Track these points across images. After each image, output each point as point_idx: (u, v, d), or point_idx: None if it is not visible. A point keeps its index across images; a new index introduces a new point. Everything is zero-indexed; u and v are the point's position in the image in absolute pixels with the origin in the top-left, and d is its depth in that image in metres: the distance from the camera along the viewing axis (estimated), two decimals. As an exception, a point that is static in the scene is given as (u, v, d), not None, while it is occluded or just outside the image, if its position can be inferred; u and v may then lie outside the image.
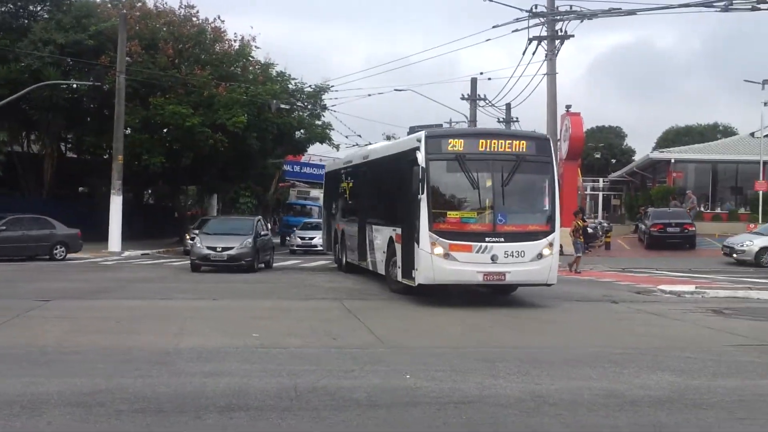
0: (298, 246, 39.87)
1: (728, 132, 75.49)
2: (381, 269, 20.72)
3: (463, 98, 46.72)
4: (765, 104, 44.01)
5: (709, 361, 11.20)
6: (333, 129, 42.61)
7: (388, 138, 50.80)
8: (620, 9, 23.75)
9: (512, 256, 16.86)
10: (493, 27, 27.84)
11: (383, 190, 20.97)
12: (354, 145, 36.33)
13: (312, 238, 39.44)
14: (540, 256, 17.04)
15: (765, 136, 42.95)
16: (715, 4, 21.88)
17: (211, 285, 21.36)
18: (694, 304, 18.31)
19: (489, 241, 16.79)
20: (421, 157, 16.78)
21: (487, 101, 45.22)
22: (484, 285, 17.81)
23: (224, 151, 36.24)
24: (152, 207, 53.66)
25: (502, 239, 16.82)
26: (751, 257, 30.43)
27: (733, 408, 8.46)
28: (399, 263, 18.56)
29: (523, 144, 17.21)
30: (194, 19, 39.23)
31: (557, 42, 27.54)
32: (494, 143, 17.07)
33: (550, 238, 17.21)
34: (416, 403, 8.42)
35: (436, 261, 16.70)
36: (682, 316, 16.58)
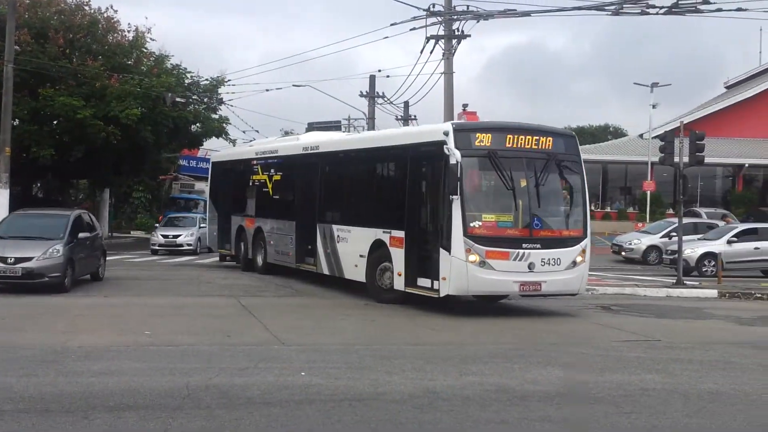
0: (160, 245, 33.39)
1: (618, 133, 77.61)
2: (353, 275, 18.44)
3: (361, 95, 46.79)
4: (653, 107, 45.44)
5: (598, 356, 11.49)
6: (230, 123, 42.11)
7: (287, 133, 50.37)
8: (515, 10, 24.15)
9: (548, 264, 15.44)
10: (391, 25, 27.82)
11: (367, 187, 18.64)
12: (252, 140, 35.85)
13: (177, 236, 33.44)
14: (574, 263, 15.75)
15: (653, 138, 44.36)
16: (606, 7, 22.48)
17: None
18: (583, 301, 18.77)
19: (526, 248, 15.28)
20: (455, 152, 14.83)
21: (385, 99, 45.38)
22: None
23: (117, 144, 35.40)
24: (41, 201, 52.07)
25: (539, 245, 15.39)
26: (639, 255, 31.36)
27: (620, 402, 8.69)
28: (400, 270, 16.39)
29: (552, 141, 15.93)
30: (86, 8, 38.17)
31: (454, 41, 27.81)
32: (524, 139, 15.60)
33: (582, 244, 15.98)
34: (311, 401, 8.39)
35: (471, 269, 14.95)
36: (572, 312, 16.96)
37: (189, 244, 33.23)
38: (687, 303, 18.93)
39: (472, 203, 15.20)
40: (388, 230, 16.94)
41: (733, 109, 46.55)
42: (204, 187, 45.07)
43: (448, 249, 15.08)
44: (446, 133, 15.23)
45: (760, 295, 20.41)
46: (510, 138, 15.50)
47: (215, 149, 42.19)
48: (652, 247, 31.29)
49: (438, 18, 27.57)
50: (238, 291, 19.18)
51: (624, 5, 22.29)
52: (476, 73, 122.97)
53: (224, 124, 41.21)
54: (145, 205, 45.99)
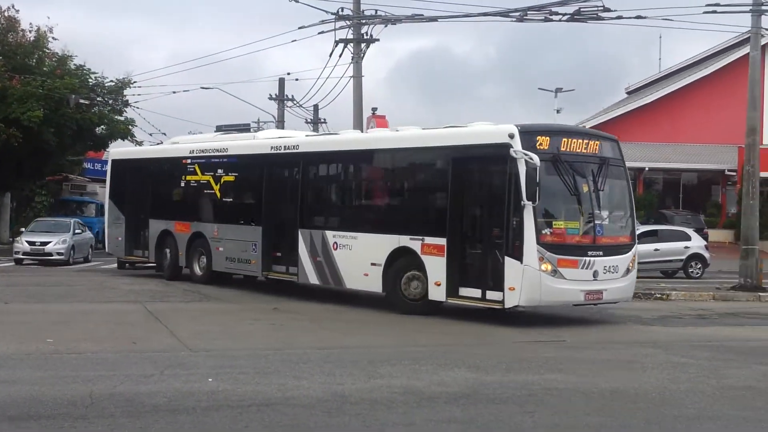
0: (25, 254, 28.66)
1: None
2: (360, 285, 17.52)
3: (271, 98, 46.59)
4: (557, 111, 46.40)
5: (504, 357, 11.70)
6: (136, 126, 41.42)
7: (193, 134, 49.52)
8: (422, 15, 24.41)
9: (609, 271, 15.24)
10: (300, 28, 27.75)
11: (384, 193, 17.77)
12: (159, 143, 35.14)
13: (45, 244, 28.66)
14: (627, 270, 15.65)
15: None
16: (510, 14, 22.90)
17: None
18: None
19: (591, 255, 15.04)
20: (533, 156, 14.21)
21: (295, 102, 45.33)
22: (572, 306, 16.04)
23: (18, 146, 34.51)
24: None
25: (601, 253, 15.18)
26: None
27: (524, 402, 8.87)
28: (439, 279, 15.60)
29: (601, 144, 15.71)
30: (-14, 7, 37.19)
31: (363, 45, 27.92)
32: (579, 143, 15.28)
33: (634, 250, 15.91)
34: (218, 407, 8.33)
35: (544, 279, 14.43)
36: (480, 314, 17.20)
37: (59, 253, 28.66)
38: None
39: (541, 209, 14.65)
40: (419, 237, 16.03)
41: (634, 113, 47.74)
42: (98, 189, 43.06)
43: (518, 257, 14.45)
44: (512, 136, 14.62)
45: (659, 296, 21.02)
46: (567, 141, 15.19)
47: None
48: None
49: (346, 22, 27.66)
50: (144, 297, 18.88)
51: (528, 12, 22.74)
52: (385, 77, 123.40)
53: (130, 126, 40.51)
54: (47, 209, 44.74)
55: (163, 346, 12.15)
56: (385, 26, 27.00)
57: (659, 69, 55.32)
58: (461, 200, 15.63)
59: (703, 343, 13.60)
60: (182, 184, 22.44)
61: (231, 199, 21.07)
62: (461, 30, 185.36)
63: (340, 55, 28.61)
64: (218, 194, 21.16)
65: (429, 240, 15.87)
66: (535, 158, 14.24)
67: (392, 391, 9.20)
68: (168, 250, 22.57)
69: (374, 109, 38.71)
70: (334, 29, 27.72)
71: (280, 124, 46.23)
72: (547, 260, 14.42)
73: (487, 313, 15.88)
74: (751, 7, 24.13)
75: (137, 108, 40.87)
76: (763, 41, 34.02)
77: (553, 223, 14.83)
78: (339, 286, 18.16)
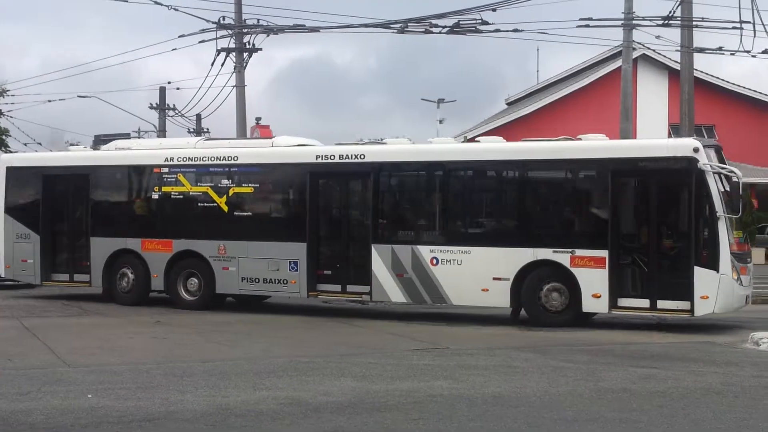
0: None
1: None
2: (477, 301, 17.11)
3: (151, 107, 45.79)
4: (440, 122, 47.06)
5: (389, 365, 11.78)
6: (10, 135, 40.11)
7: (72, 145, 48.16)
8: (304, 26, 24.45)
9: (751, 277, 16.46)
10: (180, 36, 27.37)
11: (513, 204, 17.42)
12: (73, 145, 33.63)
13: None
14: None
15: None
16: (391, 25, 23.18)
17: None
18: (380, 312, 19.15)
19: (749, 262, 16.18)
20: (727, 168, 15.34)
21: (176, 111, 44.64)
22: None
23: None
24: None
25: (749, 259, 16.42)
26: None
27: (409, 409, 8.96)
28: (598, 291, 15.72)
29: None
30: None
31: (245, 54, 27.75)
32: (722, 156, 16.25)
33: None
34: (98, 423, 8.13)
35: (735, 287, 15.33)
36: (366, 323, 17.28)
37: None
38: (475, 310, 19.61)
39: (726, 219, 15.25)
40: (566, 250, 16.01)
41: (513, 124, 48.75)
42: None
43: (713, 267, 15.02)
44: (696, 150, 15.15)
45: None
46: (717, 155, 15.95)
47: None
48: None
49: (228, 31, 27.44)
50: (20, 312, 18.27)
51: (409, 24, 23.04)
52: (268, 86, 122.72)
53: (4, 136, 39.21)
54: None
55: (41, 362, 11.79)
56: (267, 36, 26.93)
57: (537, 81, 56.72)
58: (624, 212, 16.11)
59: (582, 347, 13.99)
60: (154, 197, 19.78)
61: (249, 213, 19.04)
62: (344, 40, 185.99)
63: (222, 65, 28.36)
64: (224, 207, 19.00)
65: (581, 252, 15.97)
66: (738, 172, 15.26)
67: (278, 403, 9.16)
68: (129, 272, 19.72)
69: (258, 119, 38.64)
70: (216, 38, 27.47)
71: (162, 133, 45.47)
72: (735, 269, 15.29)
73: (366, 325, 15.94)
74: (622, 22, 25.08)
75: (11, 117, 39.60)
76: (635, 54, 35.36)
77: (734, 232, 15.58)
78: (439, 303, 17.68)
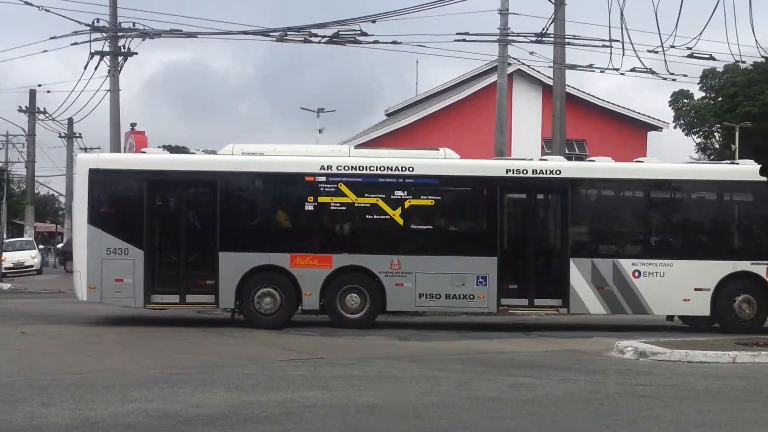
0: None
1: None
2: (677, 310, 18.61)
3: (20, 110, 44.31)
4: (319, 131, 47.04)
5: (263, 376, 11.65)
6: None
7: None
8: (181, 30, 24.07)
9: None
10: (51, 38, 26.57)
11: (713, 220, 18.93)
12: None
13: None
14: None
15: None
16: (270, 33, 23.06)
17: None
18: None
19: None
20: None
21: (47, 115, 43.33)
22: None
23: None
24: None
25: None
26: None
27: (282, 420, 8.87)
28: None
29: None
30: None
31: (120, 58, 27.17)
32: None
33: None
34: (-46, 440, 7.76)
35: None
36: (240, 333, 17.07)
37: None
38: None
39: None
40: (763, 262, 17.90)
41: (393, 135, 49.14)
42: None
43: None
44: None
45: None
46: None
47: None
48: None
49: (102, 34, 26.78)
50: None
51: (288, 32, 22.98)
52: (144, 91, 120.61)
53: None
54: None
55: None
56: (143, 40, 26.40)
57: (416, 92, 57.37)
58: None
59: (457, 357, 14.18)
60: (308, 208, 18.08)
61: (430, 227, 18.40)
62: (221, 46, 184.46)
63: (96, 68, 27.67)
64: (399, 220, 18.01)
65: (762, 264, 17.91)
66: None
67: (148, 415, 8.94)
68: (274, 291, 17.89)
69: (133, 125, 37.59)
70: (89, 41, 26.79)
71: (31, 137, 44.04)
72: None
73: (240, 335, 15.73)
74: (498, 37, 25.63)
75: None
76: (510, 69, 36.13)
77: None
78: (638, 313, 18.21)
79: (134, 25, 26.59)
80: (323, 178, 18.02)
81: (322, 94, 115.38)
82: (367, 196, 18.06)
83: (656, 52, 21.16)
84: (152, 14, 35.97)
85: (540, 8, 25.10)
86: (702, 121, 59.89)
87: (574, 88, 43.73)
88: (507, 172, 18.30)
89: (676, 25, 19.46)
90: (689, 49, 21.07)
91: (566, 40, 24.23)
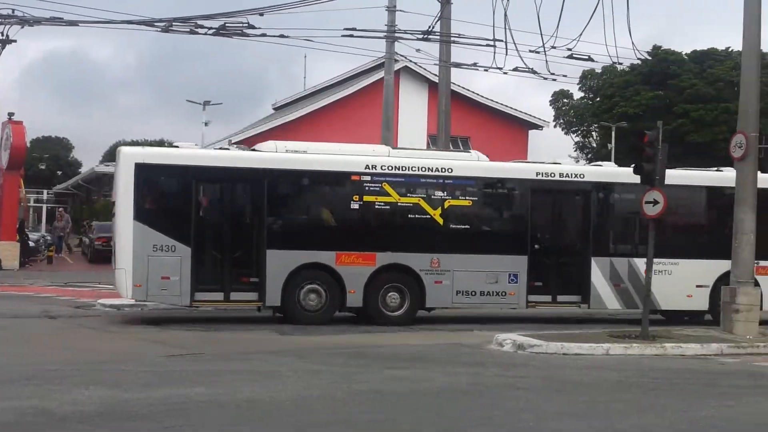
0: None
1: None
2: (680, 305, 19.53)
3: None
4: (206, 124, 46.47)
5: (142, 372, 11.46)
6: None
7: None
8: (62, 18, 23.35)
9: None
10: None
11: (714, 223, 20.00)
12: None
13: None
14: None
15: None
16: (155, 23, 22.61)
17: None
18: (133, 317, 18.61)
19: None
20: None
21: None
22: None
23: None
24: None
25: None
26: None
27: (161, 417, 8.75)
28: None
29: None
30: None
31: (-2, 46, 26.23)
32: None
33: None
34: None
35: None
36: (120, 329, 16.76)
37: None
38: (234, 313, 19.52)
39: None
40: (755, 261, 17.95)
41: (280, 129, 48.93)
42: None
43: None
44: None
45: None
46: None
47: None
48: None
49: (-23, 20, 25.75)
50: None
51: (174, 23, 22.58)
52: (23, 80, 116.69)
53: None
54: None
55: None
56: (22, 27, 25.50)
57: (304, 87, 57.25)
58: None
59: (340, 351, 14.23)
60: (353, 206, 18.24)
61: (467, 227, 18.86)
62: (104, 35, 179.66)
63: (-29, 55, 26.59)
64: (439, 220, 18.45)
65: (764, 263, 18.87)
66: None
67: (21, 413, 8.69)
68: (321, 289, 17.94)
69: (11, 114, 36.39)
70: (-42, 26, 25.67)
71: None
72: None
73: (118, 330, 15.45)
74: (385, 34, 25.80)
75: None
76: (397, 66, 36.44)
77: None
78: (648, 308, 17.63)
79: (13, 12, 25.63)
80: (368, 178, 18.26)
81: (208, 86, 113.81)
82: (409, 196, 18.48)
83: (538, 53, 21.65)
84: (32, 0, 34.66)
85: (427, 6, 25.40)
86: (581, 121, 61.76)
87: (459, 86, 44.42)
88: (537, 175, 19.13)
89: (557, 27, 20.04)
90: (569, 50, 21.62)
91: (452, 39, 24.52)
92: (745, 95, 17.37)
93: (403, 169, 18.47)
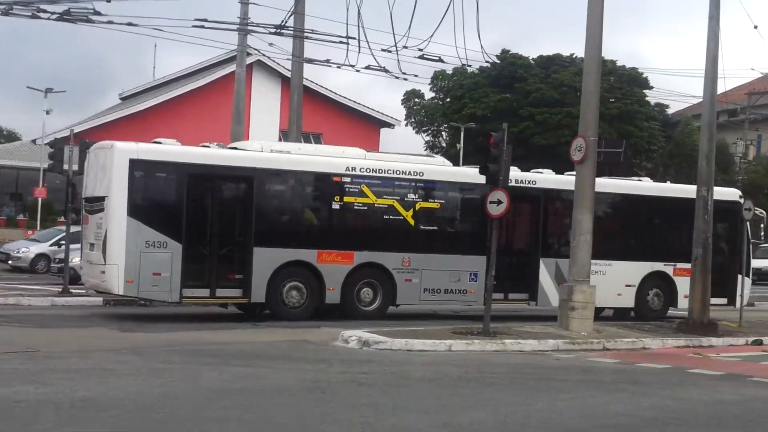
0: None
1: (12, 137, 74.74)
2: (612, 303, 21.22)
3: None
4: (47, 112, 44.63)
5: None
6: None
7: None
8: None
9: None
10: None
11: (641, 229, 22.11)
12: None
13: None
14: None
15: (46, 144, 43.55)
16: (-6, 6, 21.55)
17: None
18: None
19: None
20: (759, 210, 23.09)
21: None
22: None
23: None
24: None
25: None
26: (27, 264, 30.43)
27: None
28: (687, 293, 19.63)
29: None
30: None
31: None
32: None
33: None
34: None
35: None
36: None
37: None
38: (72, 311, 18.92)
39: None
40: (671, 263, 21.69)
41: (127, 120, 47.69)
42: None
43: (746, 274, 22.35)
44: (741, 196, 22.51)
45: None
46: None
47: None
48: (40, 256, 30.56)
49: None
50: None
51: (14, 5, 21.60)
52: None
53: None
54: None
55: None
56: None
57: (154, 77, 55.91)
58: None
59: (180, 348, 13.96)
60: (335, 207, 19.00)
61: (434, 227, 20.06)
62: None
63: None
64: (411, 221, 19.43)
65: (680, 265, 21.22)
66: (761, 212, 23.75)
67: None
68: (302, 286, 18.50)
69: None
70: None
71: None
72: None
73: None
74: (237, 26, 25.49)
75: None
76: (250, 60, 36.16)
77: None
78: None
79: None
80: (349, 179, 19.03)
81: (51, 73, 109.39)
82: (385, 197, 19.32)
83: (390, 52, 21.76)
84: None
85: (281, 0, 25.09)
86: (431, 120, 62.83)
87: (312, 81, 44.45)
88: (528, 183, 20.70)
89: (409, 27, 20.17)
90: (420, 50, 21.82)
91: (305, 34, 24.45)
92: (585, 101, 18.06)
93: (380, 171, 19.31)
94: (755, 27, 28.18)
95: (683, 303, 20.91)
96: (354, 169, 19.11)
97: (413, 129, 64.21)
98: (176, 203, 17.73)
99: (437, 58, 23.05)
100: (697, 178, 19.89)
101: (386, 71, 24.08)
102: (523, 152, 36.78)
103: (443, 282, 19.73)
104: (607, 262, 20.51)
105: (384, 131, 51.53)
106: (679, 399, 11.29)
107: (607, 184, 21.34)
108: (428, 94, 62.44)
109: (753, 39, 69.24)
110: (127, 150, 17.51)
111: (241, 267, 18.02)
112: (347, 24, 21.05)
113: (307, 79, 31.14)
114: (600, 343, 16.42)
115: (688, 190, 21.38)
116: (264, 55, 39.19)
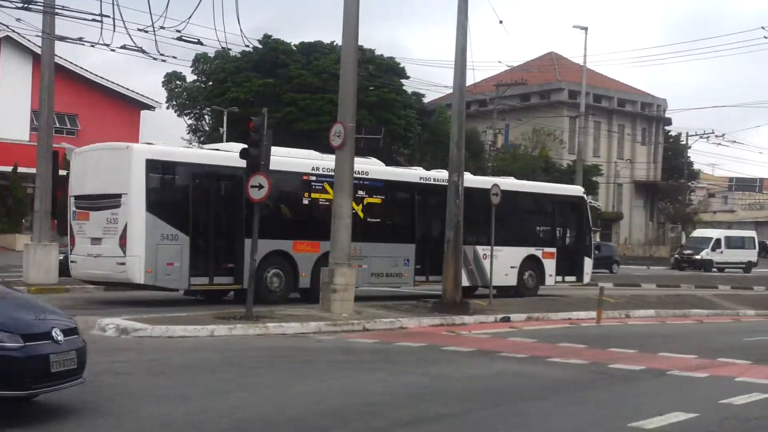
0: None
1: None
2: (502, 282, 24.57)
3: None
4: None
5: None
6: None
7: None
8: None
9: None
10: None
11: (522, 219, 26.35)
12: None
13: None
14: None
15: None
16: None
17: None
18: None
19: None
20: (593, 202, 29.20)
21: None
22: None
23: None
24: None
25: None
26: None
27: None
28: (552, 272, 26.28)
29: None
30: None
31: None
32: None
33: None
34: None
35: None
36: None
37: None
38: None
39: None
40: (540, 248, 26.11)
41: None
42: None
43: (590, 256, 27.84)
44: (584, 192, 28.35)
45: None
46: None
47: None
48: None
49: None
50: None
51: None
52: None
53: None
54: None
55: None
56: None
57: None
58: (562, 226, 27.48)
59: None
60: (305, 202, 21.80)
61: (378, 220, 22.94)
62: None
63: None
64: (360, 214, 21.86)
65: (547, 249, 26.18)
66: (595, 204, 28.11)
67: None
68: (281, 272, 20.83)
69: None
70: None
71: None
72: None
73: None
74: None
75: None
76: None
77: None
78: (486, 285, 23.20)
79: None
80: (314, 178, 21.72)
81: None
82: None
83: (147, 32, 21.23)
84: None
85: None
86: (194, 104, 61.86)
87: (66, 60, 42.53)
88: (420, 179, 24.07)
89: (167, 7, 19.77)
90: (179, 32, 21.46)
91: (56, 10, 23.31)
92: (344, 88, 18.46)
93: (331, 171, 20.24)
94: (500, 22, 30.00)
95: (549, 281, 26.28)
96: (318, 168, 21.66)
97: (175, 112, 62.99)
98: (184, 200, 19.56)
99: (196, 41, 22.78)
100: (448, 164, 20.85)
101: (144, 52, 23.37)
102: (286, 137, 37.06)
103: (385, 267, 22.79)
104: (498, 248, 22.92)
105: (145, 113, 50.21)
106: (434, 376, 11.80)
107: (501, 183, 24.27)
108: (190, 77, 61.46)
109: (501, 34, 73.13)
110: (143, 151, 19.33)
111: (233, 257, 19.95)
112: (101, 1, 20.32)
113: (60, 57, 29.78)
114: (360, 324, 16.92)
115: (556, 188, 29.06)
116: (14, 31, 37.08)
